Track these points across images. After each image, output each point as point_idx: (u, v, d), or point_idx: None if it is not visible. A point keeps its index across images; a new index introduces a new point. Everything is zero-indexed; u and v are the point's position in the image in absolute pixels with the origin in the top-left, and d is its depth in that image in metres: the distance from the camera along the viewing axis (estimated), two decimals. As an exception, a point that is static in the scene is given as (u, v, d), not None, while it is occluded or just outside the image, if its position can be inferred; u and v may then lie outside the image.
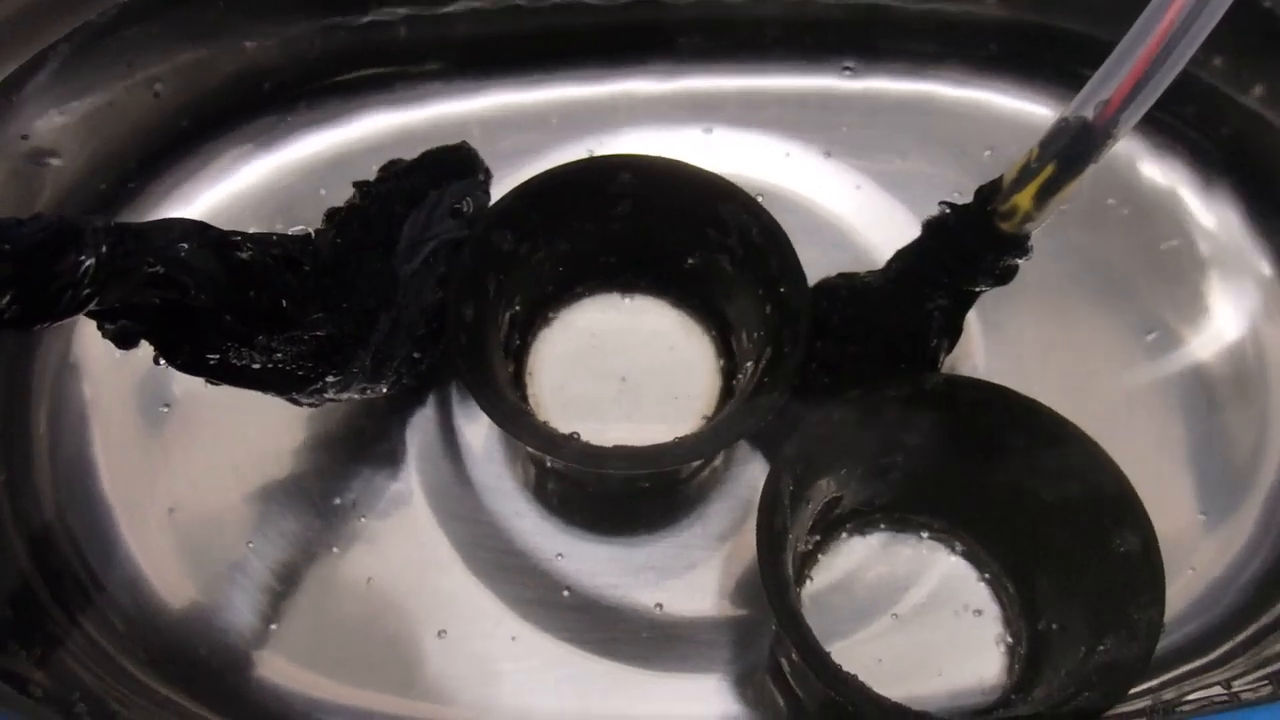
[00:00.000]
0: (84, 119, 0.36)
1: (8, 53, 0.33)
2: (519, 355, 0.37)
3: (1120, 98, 0.30)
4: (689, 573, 0.35)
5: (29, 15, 0.33)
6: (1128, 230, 0.40)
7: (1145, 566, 0.30)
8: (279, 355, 0.29)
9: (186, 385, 0.36)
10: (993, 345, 0.38)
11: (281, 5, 0.39)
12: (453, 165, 0.34)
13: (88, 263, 0.24)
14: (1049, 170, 0.30)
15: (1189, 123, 0.41)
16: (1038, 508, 0.32)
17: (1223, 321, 0.38)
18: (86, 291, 0.25)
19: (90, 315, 0.26)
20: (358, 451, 0.36)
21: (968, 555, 0.35)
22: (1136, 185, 0.41)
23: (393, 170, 0.34)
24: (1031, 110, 0.41)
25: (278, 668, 0.33)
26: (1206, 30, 0.29)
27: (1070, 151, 0.30)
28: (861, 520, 0.35)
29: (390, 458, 0.36)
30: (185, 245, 0.26)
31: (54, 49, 0.34)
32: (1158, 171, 0.41)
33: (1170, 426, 0.37)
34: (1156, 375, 0.38)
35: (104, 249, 0.25)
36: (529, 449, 0.35)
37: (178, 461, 0.35)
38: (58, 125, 0.36)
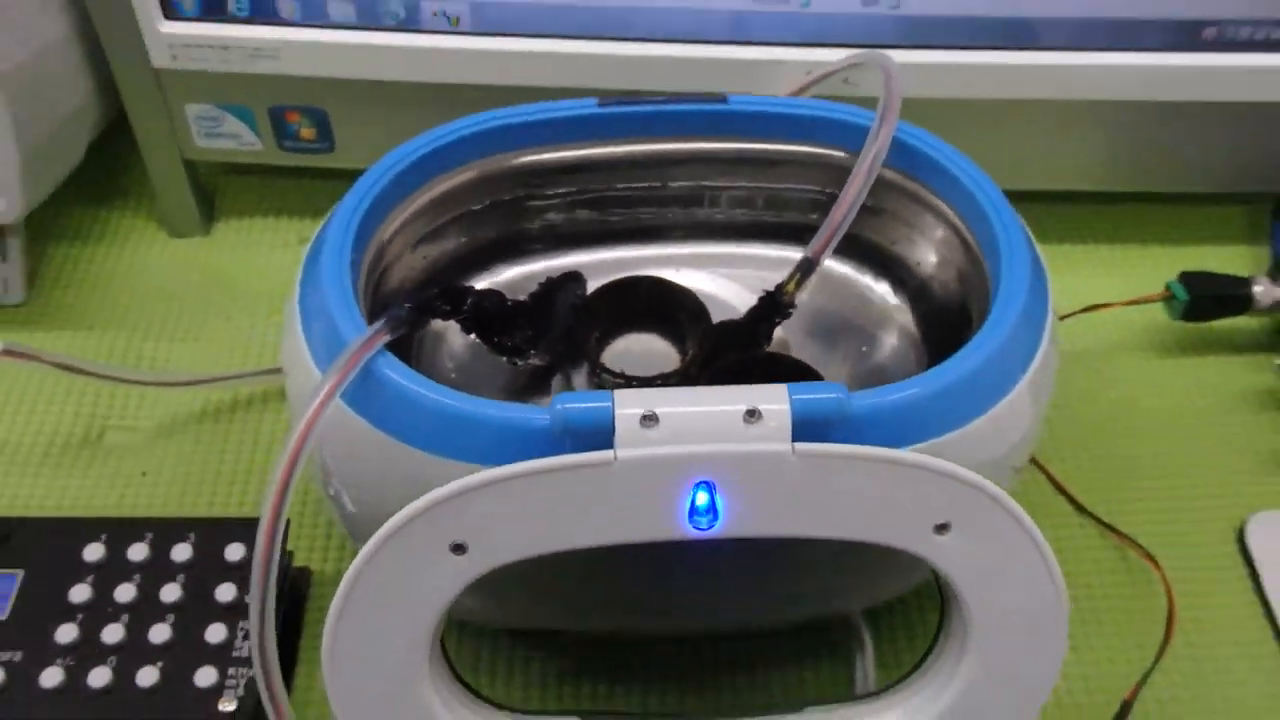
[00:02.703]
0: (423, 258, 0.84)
1: (432, 218, 0.77)
2: (595, 354, 0.72)
3: (820, 249, 0.70)
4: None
5: (436, 209, 0.78)
6: (845, 299, 0.85)
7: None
8: (517, 338, 0.70)
9: (460, 357, 0.83)
10: (789, 342, 0.82)
11: (478, 219, 0.80)
12: (570, 278, 0.77)
13: (470, 302, 0.73)
14: (797, 277, 0.78)
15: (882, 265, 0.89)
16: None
17: (890, 345, 0.84)
18: (467, 313, 0.72)
19: (458, 320, 0.74)
20: (523, 393, 0.79)
21: (780, 432, 0.81)
22: (856, 287, 0.87)
23: (547, 282, 0.83)
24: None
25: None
26: (851, 218, 0.72)
27: (805, 272, 0.77)
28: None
29: (542, 394, 0.80)
30: (494, 298, 0.76)
31: (450, 223, 0.78)
32: (867, 282, 0.88)
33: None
34: (864, 362, 0.83)
35: (472, 298, 0.72)
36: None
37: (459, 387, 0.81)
38: (418, 256, 0.83)
